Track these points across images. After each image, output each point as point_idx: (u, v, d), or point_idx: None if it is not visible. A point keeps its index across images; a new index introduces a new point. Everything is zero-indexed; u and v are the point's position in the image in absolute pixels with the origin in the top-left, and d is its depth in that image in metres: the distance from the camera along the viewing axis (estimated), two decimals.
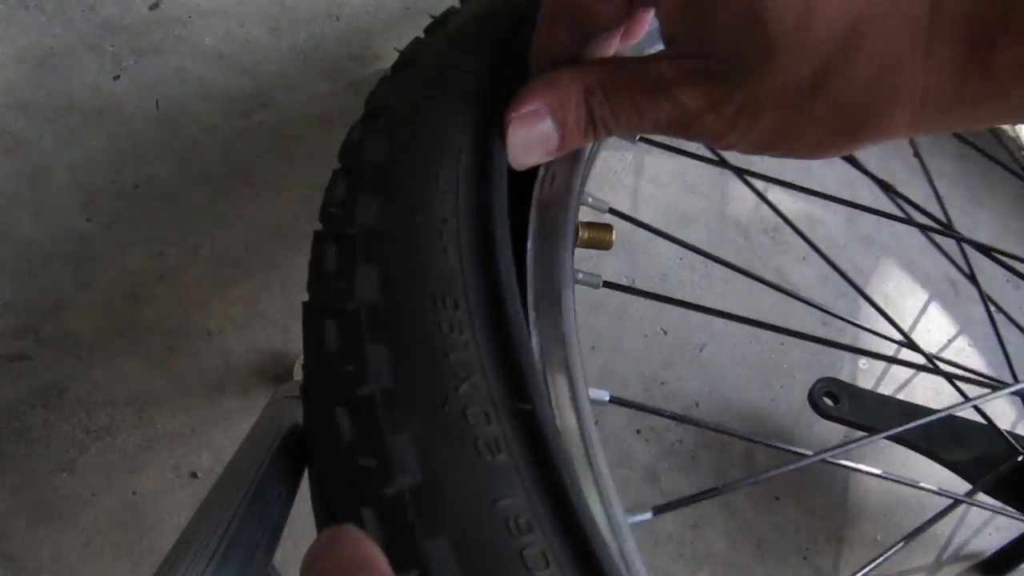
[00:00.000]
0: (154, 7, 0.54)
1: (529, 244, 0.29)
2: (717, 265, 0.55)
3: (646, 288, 0.53)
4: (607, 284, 0.34)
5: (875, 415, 0.48)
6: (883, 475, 0.40)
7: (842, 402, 0.48)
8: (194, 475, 0.42)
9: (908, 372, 0.56)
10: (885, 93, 0.22)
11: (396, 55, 0.33)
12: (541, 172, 0.31)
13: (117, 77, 0.51)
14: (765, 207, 0.59)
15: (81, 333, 0.44)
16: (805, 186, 0.43)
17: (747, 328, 0.54)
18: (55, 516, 0.40)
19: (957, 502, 0.46)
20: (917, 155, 0.47)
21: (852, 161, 0.46)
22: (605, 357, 0.50)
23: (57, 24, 0.52)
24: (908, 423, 0.42)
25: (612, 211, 0.38)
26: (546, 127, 0.28)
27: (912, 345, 0.42)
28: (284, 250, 0.48)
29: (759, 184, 0.48)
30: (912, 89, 0.21)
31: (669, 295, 0.53)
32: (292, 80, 0.53)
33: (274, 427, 0.31)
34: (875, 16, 0.21)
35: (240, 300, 0.46)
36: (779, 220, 0.58)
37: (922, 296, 0.59)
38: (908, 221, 0.44)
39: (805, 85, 0.22)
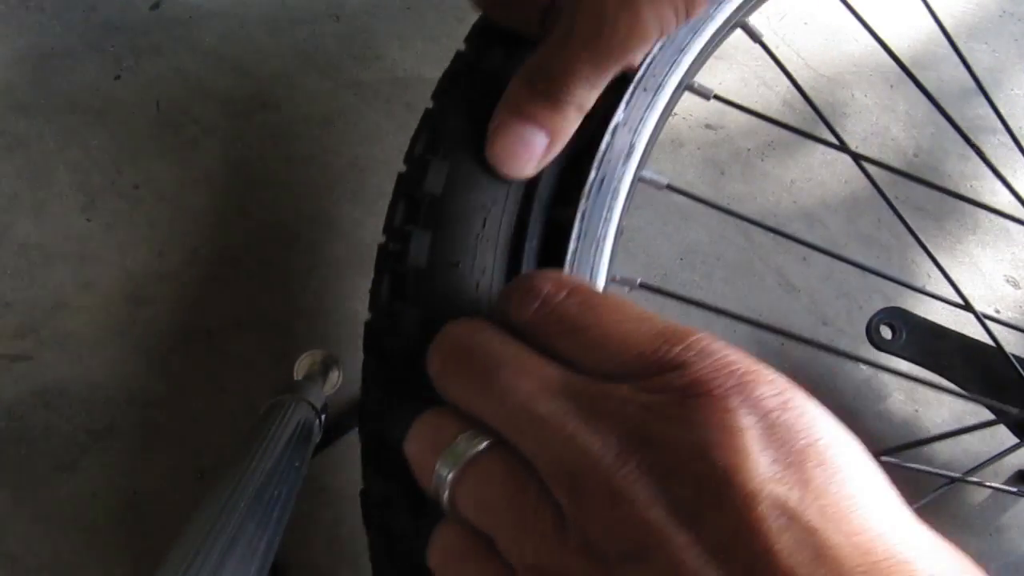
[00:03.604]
0: (154, 7, 0.54)
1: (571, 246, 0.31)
2: (718, 265, 0.55)
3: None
4: (643, 285, 0.36)
5: (934, 353, 0.48)
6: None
7: (899, 334, 0.48)
8: (195, 475, 0.42)
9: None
10: None
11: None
12: (591, 175, 0.32)
13: (117, 77, 0.51)
14: (764, 205, 0.58)
15: (81, 333, 0.44)
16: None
17: (747, 329, 0.54)
18: (55, 516, 0.40)
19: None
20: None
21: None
22: None
23: (57, 24, 0.52)
24: (968, 364, 0.42)
25: (670, 187, 0.38)
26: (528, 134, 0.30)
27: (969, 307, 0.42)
28: (284, 250, 0.48)
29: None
30: None
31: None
32: (292, 80, 0.53)
33: (274, 427, 0.31)
34: None
35: (240, 300, 0.46)
36: (779, 220, 0.58)
37: (923, 296, 0.59)
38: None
39: None
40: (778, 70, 0.41)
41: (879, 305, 0.54)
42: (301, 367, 0.43)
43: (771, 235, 0.58)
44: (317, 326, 0.46)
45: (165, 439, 0.42)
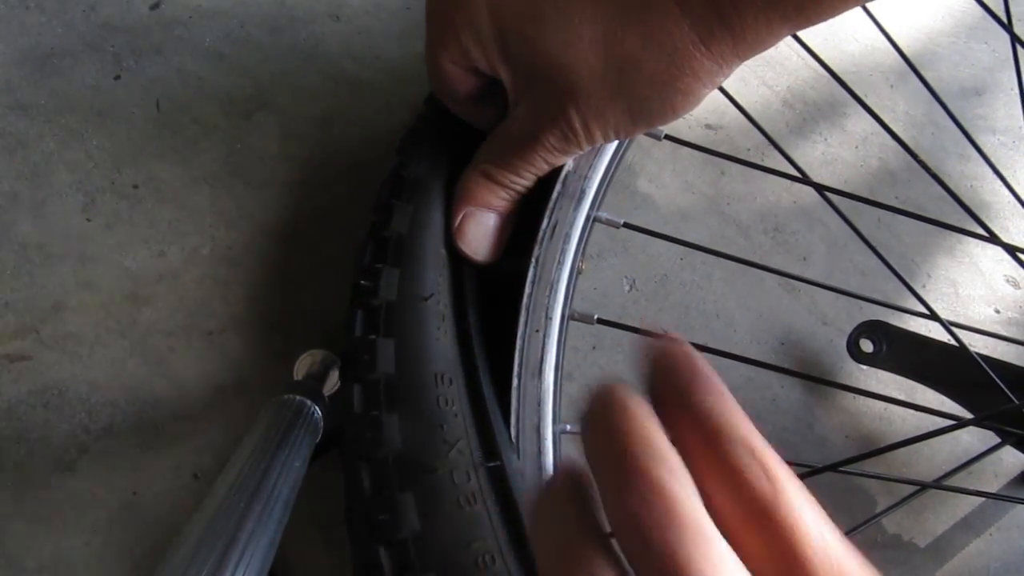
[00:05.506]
0: (154, 7, 0.54)
1: (525, 293, 0.36)
2: (717, 266, 0.55)
3: (647, 287, 0.53)
4: (600, 321, 0.39)
5: (917, 364, 0.49)
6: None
7: (881, 347, 0.49)
8: (195, 475, 0.42)
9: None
10: (664, 68, 0.30)
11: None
12: (544, 223, 0.36)
13: (118, 77, 0.51)
14: (764, 205, 0.59)
15: (81, 333, 0.44)
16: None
17: (747, 329, 0.54)
18: (55, 516, 0.40)
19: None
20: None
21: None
22: (606, 357, 0.50)
23: (57, 24, 0.52)
24: (950, 372, 0.44)
25: (627, 225, 0.39)
26: (485, 219, 0.37)
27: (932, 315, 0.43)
28: (284, 250, 0.48)
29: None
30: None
31: (669, 295, 0.53)
32: (292, 80, 0.53)
33: (274, 427, 0.31)
34: (638, 37, 0.30)
35: (240, 300, 0.46)
36: (779, 220, 0.58)
37: (923, 296, 0.59)
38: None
39: (610, 82, 0.31)
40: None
41: (879, 306, 0.54)
42: (301, 367, 0.43)
43: (771, 235, 0.58)
44: (317, 326, 0.46)
45: (165, 439, 0.42)
